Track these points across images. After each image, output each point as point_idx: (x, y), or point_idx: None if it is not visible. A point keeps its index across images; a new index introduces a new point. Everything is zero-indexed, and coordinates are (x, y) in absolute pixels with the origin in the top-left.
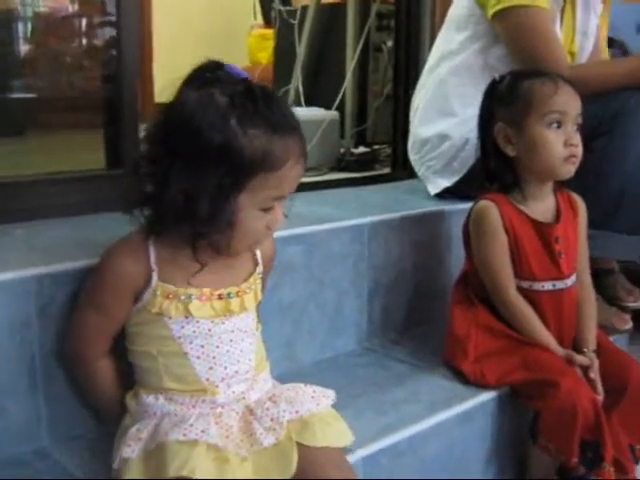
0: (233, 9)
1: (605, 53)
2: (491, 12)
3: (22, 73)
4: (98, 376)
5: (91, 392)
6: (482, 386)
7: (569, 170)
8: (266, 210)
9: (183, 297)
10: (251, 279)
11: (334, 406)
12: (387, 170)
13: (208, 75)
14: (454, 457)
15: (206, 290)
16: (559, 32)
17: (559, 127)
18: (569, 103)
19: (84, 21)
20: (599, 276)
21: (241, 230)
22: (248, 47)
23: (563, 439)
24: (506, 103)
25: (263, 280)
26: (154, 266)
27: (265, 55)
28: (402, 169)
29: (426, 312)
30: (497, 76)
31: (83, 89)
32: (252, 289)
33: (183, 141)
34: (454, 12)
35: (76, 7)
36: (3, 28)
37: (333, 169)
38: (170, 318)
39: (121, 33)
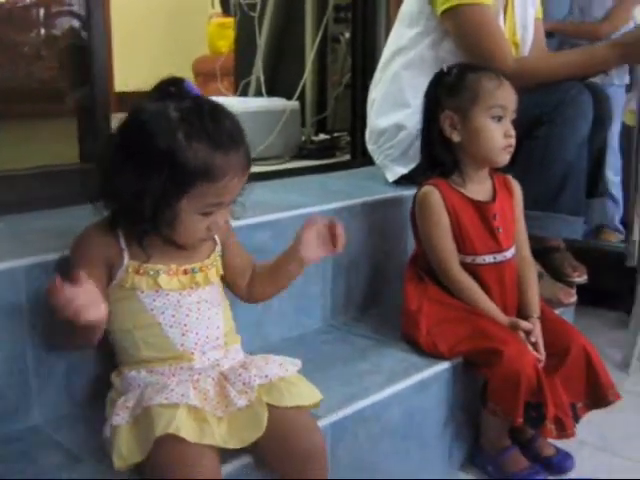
0: None
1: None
2: (439, 10)
3: None
4: None
5: None
6: (436, 356)
7: (505, 158)
8: (206, 214)
9: (152, 272)
10: (212, 256)
11: (301, 374)
12: (347, 157)
13: (170, 89)
14: (414, 422)
15: (173, 266)
16: (503, 26)
17: (500, 120)
18: (509, 98)
19: (54, 10)
20: (546, 254)
21: (182, 230)
22: (208, 36)
23: (509, 402)
24: (453, 93)
25: (225, 255)
26: (124, 246)
27: (225, 44)
28: (361, 156)
29: (385, 291)
30: (445, 67)
31: (52, 81)
32: (214, 265)
33: (135, 145)
34: (405, 9)
35: None
36: None
37: (295, 157)
38: (142, 292)
39: (91, 24)
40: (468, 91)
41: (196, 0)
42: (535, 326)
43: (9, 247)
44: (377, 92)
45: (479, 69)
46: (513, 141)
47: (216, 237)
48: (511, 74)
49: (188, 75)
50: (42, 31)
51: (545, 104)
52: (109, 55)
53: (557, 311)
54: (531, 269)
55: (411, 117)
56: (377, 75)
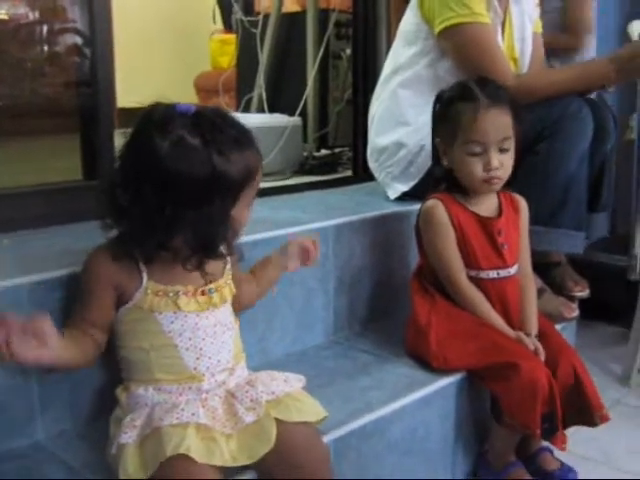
0: (192, 14)
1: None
2: (437, 29)
3: None
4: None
5: None
6: (446, 370)
7: (490, 188)
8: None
9: (171, 294)
10: (225, 274)
11: (305, 390)
12: (349, 173)
13: (168, 116)
14: (417, 437)
15: (190, 287)
16: (501, 43)
17: (479, 154)
18: (489, 131)
19: (58, 27)
20: (549, 269)
21: (238, 227)
22: (210, 52)
23: (526, 414)
24: (441, 122)
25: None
26: (143, 267)
27: (226, 59)
28: (363, 172)
29: (387, 306)
30: (442, 91)
31: (56, 98)
32: (227, 283)
33: (180, 190)
34: (403, 28)
35: (44, 14)
36: None
37: (297, 173)
38: (160, 313)
39: (95, 40)
40: (450, 123)
41: (198, 16)
42: (537, 346)
43: (12, 265)
44: (376, 109)
45: (465, 98)
46: (497, 172)
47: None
48: (511, 91)
49: (190, 91)
50: (46, 48)
51: (545, 119)
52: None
53: (559, 326)
54: (531, 286)
55: (411, 135)
56: (376, 92)
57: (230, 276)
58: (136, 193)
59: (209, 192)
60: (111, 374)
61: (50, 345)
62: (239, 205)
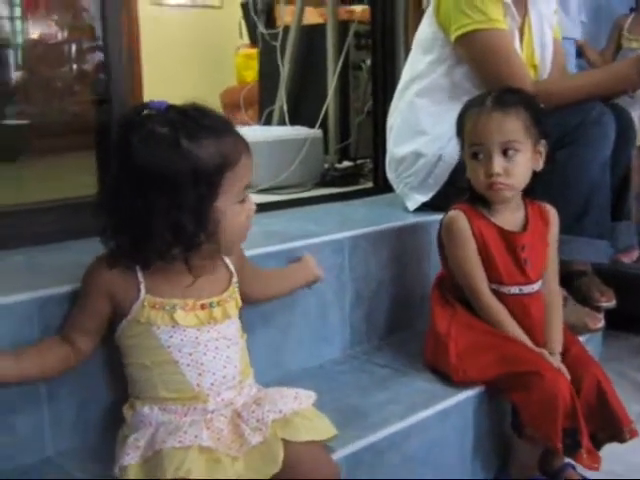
0: (220, 29)
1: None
2: (453, 36)
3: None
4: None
5: None
6: (465, 382)
7: (496, 195)
8: (242, 201)
9: (168, 307)
10: (230, 288)
11: (316, 406)
12: (370, 184)
13: (142, 115)
14: (434, 453)
15: (189, 301)
16: (520, 49)
17: (482, 158)
18: (490, 133)
19: (73, 47)
20: (573, 278)
21: (229, 229)
22: (235, 66)
23: (547, 427)
24: (458, 132)
25: (240, 286)
26: (141, 279)
27: (251, 74)
28: (384, 183)
29: (405, 319)
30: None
31: (74, 114)
32: (232, 297)
33: (152, 182)
34: (420, 36)
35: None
36: None
37: (318, 185)
38: (158, 327)
39: (109, 57)
40: (461, 132)
41: (226, 32)
42: (561, 367)
43: (24, 280)
44: (394, 120)
45: (474, 104)
46: (500, 178)
47: (231, 267)
48: None
49: (217, 106)
50: (74, 66)
51: (566, 126)
52: (139, 87)
53: (584, 337)
54: (557, 302)
55: (429, 144)
56: (394, 102)
57: (237, 290)
58: (123, 198)
59: (181, 177)
60: (120, 391)
61: None
62: (224, 198)
